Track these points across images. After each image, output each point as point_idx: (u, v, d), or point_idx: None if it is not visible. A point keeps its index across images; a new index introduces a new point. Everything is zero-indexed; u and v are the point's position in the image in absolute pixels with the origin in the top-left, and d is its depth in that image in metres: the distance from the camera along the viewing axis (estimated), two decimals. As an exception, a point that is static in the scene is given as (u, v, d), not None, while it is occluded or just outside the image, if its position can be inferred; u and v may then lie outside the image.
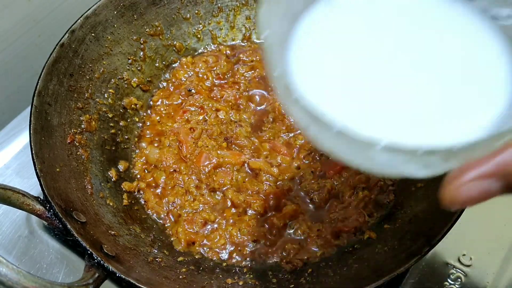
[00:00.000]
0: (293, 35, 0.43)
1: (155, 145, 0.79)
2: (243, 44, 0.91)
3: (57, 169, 0.65)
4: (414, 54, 0.43)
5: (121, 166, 0.76)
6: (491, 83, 0.40)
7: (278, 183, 0.73)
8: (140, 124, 0.82)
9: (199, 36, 0.89)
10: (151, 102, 0.84)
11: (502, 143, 0.32)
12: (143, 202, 0.74)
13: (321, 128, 0.34)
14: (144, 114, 0.83)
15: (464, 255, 0.71)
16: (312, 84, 0.40)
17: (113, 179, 0.74)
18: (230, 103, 0.82)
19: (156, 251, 0.67)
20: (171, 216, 0.73)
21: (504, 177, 0.32)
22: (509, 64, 0.42)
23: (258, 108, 0.82)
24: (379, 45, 0.43)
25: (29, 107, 0.66)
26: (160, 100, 0.84)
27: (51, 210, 0.58)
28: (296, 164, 0.75)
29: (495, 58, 0.43)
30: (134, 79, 0.82)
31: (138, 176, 0.77)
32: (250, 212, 0.72)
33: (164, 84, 0.86)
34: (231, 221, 0.71)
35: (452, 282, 0.69)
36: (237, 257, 0.69)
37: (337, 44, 0.43)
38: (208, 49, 0.90)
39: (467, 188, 0.32)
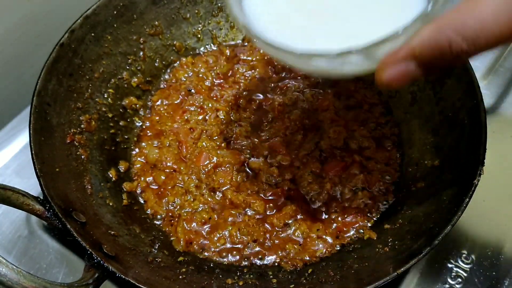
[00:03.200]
0: None
1: (155, 145, 0.79)
2: (243, 44, 0.91)
3: (57, 169, 0.65)
4: None
5: (121, 166, 0.76)
6: None
7: (277, 183, 0.73)
8: (140, 124, 0.82)
9: (199, 36, 0.89)
10: (150, 102, 0.84)
11: (411, 34, 0.41)
12: (142, 202, 0.74)
13: (280, 53, 0.45)
14: (144, 114, 0.83)
15: (464, 255, 0.70)
16: (266, 21, 0.50)
17: (113, 179, 0.74)
18: (230, 103, 0.82)
19: (155, 251, 0.67)
20: (170, 216, 0.73)
21: (415, 58, 0.41)
22: None
23: (258, 107, 0.82)
24: None
25: (29, 107, 0.65)
26: (159, 100, 0.84)
27: (51, 210, 0.58)
28: (295, 164, 0.75)
29: None
30: (134, 79, 0.82)
31: (138, 176, 0.77)
32: (250, 212, 0.72)
33: (164, 84, 0.86)
34: (231, 220, 0.71)
35: (452, 282, 0.69)
36: (237, 257, 0.69)
37: None
38: (208, 49, 0.90)
39: (389, 72, 0.42)
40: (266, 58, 0.89)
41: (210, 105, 0.82)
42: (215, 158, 0.76)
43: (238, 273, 0.67)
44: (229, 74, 0.87)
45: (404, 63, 0.42)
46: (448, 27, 0.40)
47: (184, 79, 0.86)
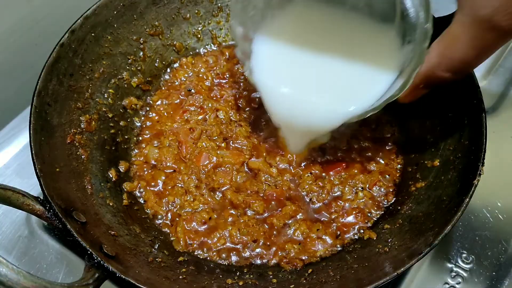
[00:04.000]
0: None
1: (155, 145, 0.79)
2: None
3: (57, 169, 0.65)
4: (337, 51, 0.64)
5: (121, 166, 0.76)
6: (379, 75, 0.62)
7: (277, 183, 0.73)
8: (140, 124, 0.82)
9: (199, 36, 0.89)
10: (150, 102, 0.84)
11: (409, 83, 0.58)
12: (143, 202, 0.74)
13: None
14: (144, 114, 0.83)
15: (464, 255, 0.71)
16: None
17: (113, 179, 0.74)
18: (230, 103, 0.82)
19: (156, 251, 0.67)
20: (170, 216, 0.73)
21: (420, 87, 0.58)
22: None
23: (258, 107, 0.82)
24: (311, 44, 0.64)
25: (29, 107, 0.66)
26: (159, 100, 0.84)
27: (51, 210, 0.58)
28: (295, 165, 0.75)
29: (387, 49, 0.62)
30: (134, 79, 0.82)
31: (138, 176, 0.77)
32: (249, 212, 0.72)
33: (164, 84, 0.86)
34: (231, 220, 0.71)
35: (452, 282, 0.69)
36: (237, 257, 0.69)
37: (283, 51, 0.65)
38: (208, 49, 0.90)
39: (405, 97, 0.59)
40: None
41: (210, 105, 0.82)
42: (215, 158, 0.76)
43: (238, 273, 0.67)
44: (229, 74, 0.87)
45: (414, 91, 0.59)
46: (438, 68, 0.54)
47: (184, 79, 0.86)
